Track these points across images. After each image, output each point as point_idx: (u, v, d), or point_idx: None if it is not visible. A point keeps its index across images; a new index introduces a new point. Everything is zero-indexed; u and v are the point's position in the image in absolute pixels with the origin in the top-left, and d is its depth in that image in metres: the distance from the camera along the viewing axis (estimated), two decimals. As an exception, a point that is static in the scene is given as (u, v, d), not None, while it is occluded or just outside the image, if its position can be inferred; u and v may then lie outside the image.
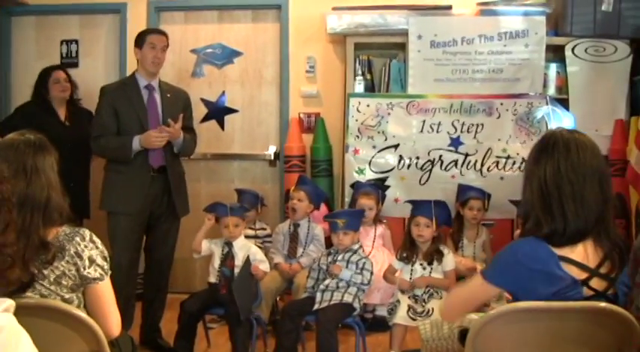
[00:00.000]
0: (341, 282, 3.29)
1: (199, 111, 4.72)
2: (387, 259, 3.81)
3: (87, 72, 4.86)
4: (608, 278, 1.77)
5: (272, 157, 4.86)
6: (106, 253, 1.95)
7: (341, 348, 3.18)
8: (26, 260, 1.76)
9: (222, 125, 4.94)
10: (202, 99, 4.87)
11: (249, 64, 4.91)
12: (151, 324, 3.68)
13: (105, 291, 1.94)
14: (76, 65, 4.89)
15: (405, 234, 3.45)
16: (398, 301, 3.26)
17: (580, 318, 1.75)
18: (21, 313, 1.47)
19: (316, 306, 3.25)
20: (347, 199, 4.33)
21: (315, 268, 3.43)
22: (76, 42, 4.97)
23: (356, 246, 3.41)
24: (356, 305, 3.28)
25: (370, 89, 4.54)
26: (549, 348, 1.78)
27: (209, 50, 4.92)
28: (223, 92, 4.92)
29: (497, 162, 4.31)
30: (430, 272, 3.29)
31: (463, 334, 2.07)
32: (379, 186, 4.24)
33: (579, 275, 1.75)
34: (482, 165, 4.31)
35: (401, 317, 3.18)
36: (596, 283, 1.77)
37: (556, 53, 4.45)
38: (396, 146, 4.35)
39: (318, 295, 3.29)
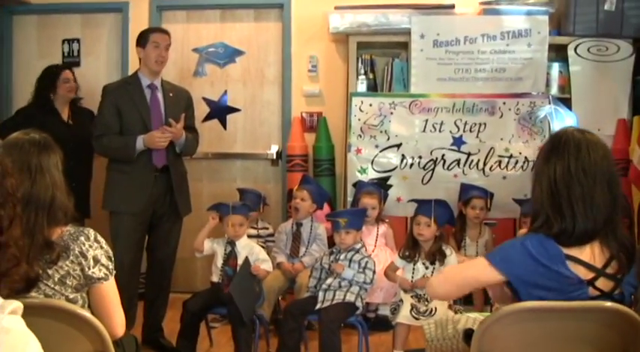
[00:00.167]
0: (343, 281, 3.29)
1: (201, 110, 4.71)
2: (389, 258, 3.80)
3: (89, 71, 4.86)
4: (614, 278, 1.77)
5: (274, 156, 4.86)
6: (110, 253, 1.94)
7: (343, 348, 3.17)
8: (31, 259, 1.75)
9: (224, 124, 4.93)
10: (204, 99, 4.86)
11: (251, 63, 4.90)
12: (153, 324, 3.67)
13: (109, 291, 1.93)
14: (77, 64, 4.87)
15: (407, 233, 3.45)
16: (401, 300, 3.26)
17: (586, 318, 1.75)
18: (25, 313, 1.45)
19: (319, 306, 3.24)
20: (349, 198, 4.32)
21: (318, 267, 3.42)
22: (78, 41, 4.96)
23: (358, 246, 3.40)
24: (358, 304, 3.28)
25: (373, 88, 4.54)
26: (555, 348, 1.77)
27: (211, 49, 4.91)
28: (225, 91, 4.92)
29: (500, 162, 4.31)
30: (432, 272, 3.28)
31: (468, 334, 2.06)
32: (381, 186, 4.23)
33: (586, 275, 1.75)
34: (484, 164, 4.31)
35: (404, 316, 3.18)
36: (603, 283, 1.76)
37: (559, 52, 4.45)
38: (399, 145, 4.34)
39: (321, 294, 3.28)
